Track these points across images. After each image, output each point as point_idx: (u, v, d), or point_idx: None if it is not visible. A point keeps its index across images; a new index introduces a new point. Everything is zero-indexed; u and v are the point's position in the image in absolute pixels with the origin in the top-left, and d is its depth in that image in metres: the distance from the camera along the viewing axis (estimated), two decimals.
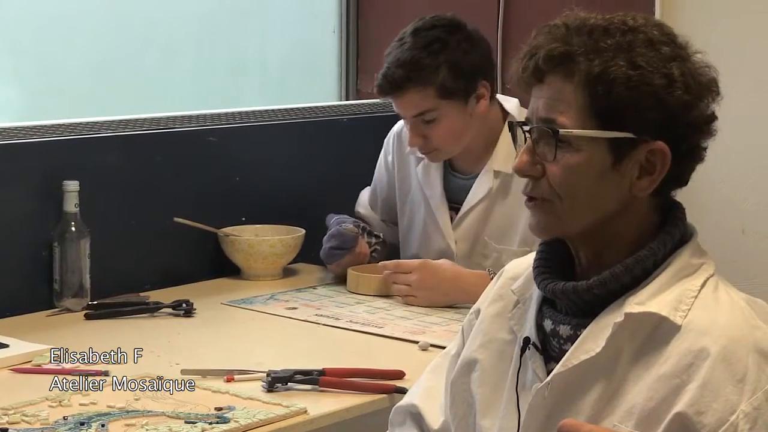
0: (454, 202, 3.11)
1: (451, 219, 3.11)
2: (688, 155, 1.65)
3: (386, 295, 3.02)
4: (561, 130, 1.62)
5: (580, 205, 1.64)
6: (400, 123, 3.23)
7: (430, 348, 2.59)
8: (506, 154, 3.00)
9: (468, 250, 3.08)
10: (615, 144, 1.62)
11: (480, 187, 3.06)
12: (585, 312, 1.65)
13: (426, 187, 3.14)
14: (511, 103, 3.09)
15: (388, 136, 3.29)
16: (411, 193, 3.21)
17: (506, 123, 2.98)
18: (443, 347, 2.03)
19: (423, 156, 3.11)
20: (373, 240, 3.22)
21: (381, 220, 3.34)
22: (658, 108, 1.61)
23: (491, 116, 3.06)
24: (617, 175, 1.63)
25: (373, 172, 3.36)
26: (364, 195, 3.39)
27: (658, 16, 3.35)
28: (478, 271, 2.98)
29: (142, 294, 3.00)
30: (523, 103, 2.94)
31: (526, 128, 1.66)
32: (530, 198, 1.68)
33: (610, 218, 1.65)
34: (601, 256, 1.66)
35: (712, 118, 1.65)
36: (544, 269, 1.70)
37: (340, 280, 3.16)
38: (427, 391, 1.92)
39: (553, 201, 1.65)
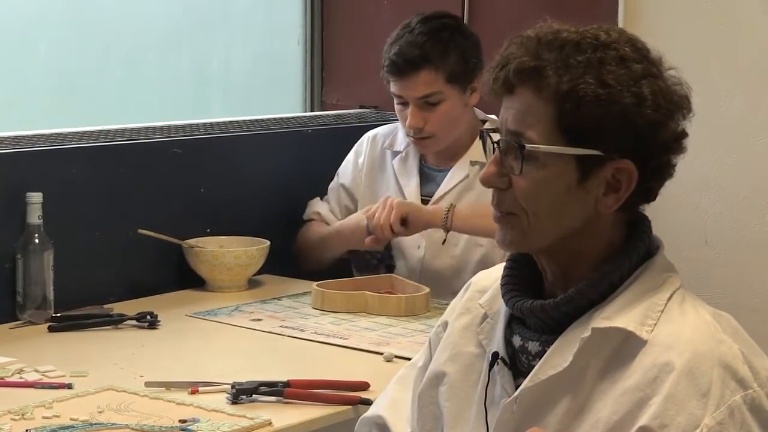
0: (426, 195, 3.21)
1: None
2: (656, 172, 1.64)
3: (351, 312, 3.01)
4: (527, 145, 1.61)
5: (545, 220, 1.63)
6: (376, 129, 3.35)
7: (395, 359, 2.59)
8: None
9: (437, 236, 3.14)
10: (582, 161, 1.61)
11: (455, 175, 3.18)
12: (554, 329, 1.65)
13: (401, 176, 3.23)
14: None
15: (361, 138, 3.37)
16: (383, 189, 3.27)
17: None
18: (408, 358, 2.03)
19: (402, 152, 3.24)
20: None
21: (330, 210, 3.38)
22: (627, 127, 1.60)
23: (472, 118, 3.19)
24: (583, 192, 1.62)
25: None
26: (316, 202, 3.42)
27: (620, 22, 3.37)
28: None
29: (106, 306, 2.98)
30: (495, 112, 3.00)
31: (495, 138, 1.66)
32: (496, 211, 1.67)
33: (575, 234, 1.64)
34: (567, 272, 1.66)
35: (683, 135, 1.64)
36: (511, 286, 1.70)
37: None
38: (393, 402, 1.92)
39: (519, 215, 1.64)
